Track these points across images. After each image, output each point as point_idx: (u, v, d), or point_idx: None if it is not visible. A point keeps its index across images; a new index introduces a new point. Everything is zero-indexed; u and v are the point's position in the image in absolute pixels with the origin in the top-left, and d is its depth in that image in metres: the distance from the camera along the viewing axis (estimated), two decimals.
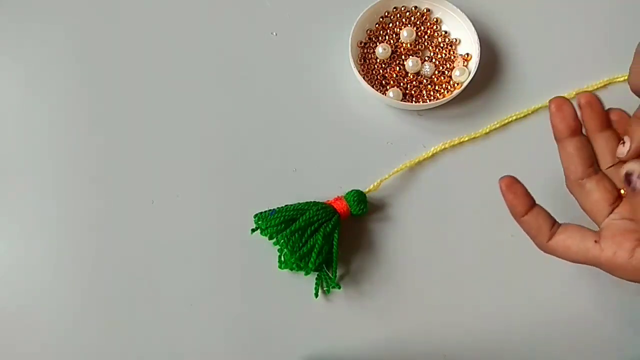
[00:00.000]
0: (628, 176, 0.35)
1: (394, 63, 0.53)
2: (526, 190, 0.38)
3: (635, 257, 0.35)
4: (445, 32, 0.54)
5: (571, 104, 0.38)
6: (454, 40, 0.54)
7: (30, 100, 0.53)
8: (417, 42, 0.54)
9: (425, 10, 0.55)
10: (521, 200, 0.38)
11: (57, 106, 0.53)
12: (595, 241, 0.36)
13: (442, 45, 0.54)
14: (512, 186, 0.38)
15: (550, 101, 0.38)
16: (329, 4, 0.56)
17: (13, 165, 0.51)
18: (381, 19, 0.54)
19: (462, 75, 0.51)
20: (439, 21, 0.54)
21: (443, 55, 0.53)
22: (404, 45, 0.54)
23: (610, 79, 0.53)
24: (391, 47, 0.53)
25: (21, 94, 0.54)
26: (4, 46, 0.55)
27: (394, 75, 0.53)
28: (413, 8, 0.54)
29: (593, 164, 0.38)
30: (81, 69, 0.54)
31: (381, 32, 0.54)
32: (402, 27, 0.54)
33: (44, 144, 0.52)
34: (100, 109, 0.53)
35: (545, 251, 0.38)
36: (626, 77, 0.53)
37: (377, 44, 0.53)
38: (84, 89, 0.53)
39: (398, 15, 0.54)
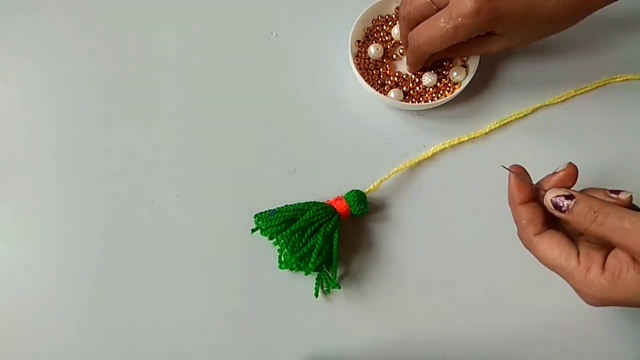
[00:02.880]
0: (555, 202, 0.37)
1: (389, 62, 0.53)
2: (532, 184, 0.39)
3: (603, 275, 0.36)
4: None
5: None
6: None
7: (30, 101, 0.53)
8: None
9: None
10: (525, 189, 0.39)
11: (57, 106, 0.53)
12: (578, 252, 0.37)
13: None
14: (522, 174, 0.39)
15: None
16: (329, 4, 0.56)
17: (13, 165, 0.51)
18: (379, 18, 0.54)
19: (460, 75, 0.51)
20: None
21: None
22: (393, 42, 0.54)
23: (609, 79, 0.53)
24: (383, 45, 0.53)
25: (22, 94, 0.54)
26: (5, 46, 0.55)
27: (394, 78, 0.53)
28: None
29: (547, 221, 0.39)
30: (81, 70, 0.54)
31: (376, 31, 0.54)
32: (394, 25, 0.54)
33: (44, 144, 0.52)
34: (101, 109, 0.53)
35: (527, 244, 0.39)
36: (626, 78, 0.53)
37: (371, 43, 0.53)
38: (84, 89, 0.53)
39: (394, 16, 0.54)
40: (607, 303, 0.36)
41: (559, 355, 0.47)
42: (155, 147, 0.51)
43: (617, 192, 0.37)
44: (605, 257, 0.36)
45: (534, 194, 0.39)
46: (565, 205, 0.36)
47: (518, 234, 0.40)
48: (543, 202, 0.38)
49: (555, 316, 0.47)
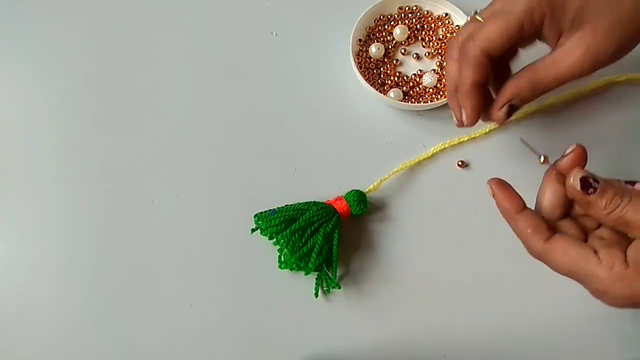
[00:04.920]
0: (585, 179, 0.34)
1: (389, 61, 0.53)
2: (515, 191, 0.37)
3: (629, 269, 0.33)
4: (458, 27, 0.54)
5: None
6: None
7: (31, 101, 0.53)
8: (409, 40, 0.54)
9: (426, 12, 0.55)
10: (515, 196, 0.37)
11: (57, 106, 0.53)
12: (595, 252, 0.34)
13: (446, 40, 0.54)
14: (503, 184, 0.37)
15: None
16: (329, 4, 0.56)
17: (13, 165, 0.51)
18: (382, 17, 0.54)
19: None
20: (448, 16, 0.54)
21: (443, 51, 0.54)
22: (395, 42, 0.54)
23: (610, 79, 0.53)
24: (385, 45, 0.53)
25: (22, 95, 0.54)
26: (6, 46, 0.55)
27: (394, 78, 0.53)
28: (414, 7, 0.55)
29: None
30: (82, 70, 0.54)
31: (378, 31, 0.54)
32: (396, 25, 0.54)
33: (44, 144, 0.52)
34: (101, 109, 0.53)
35: (538, 253, 0.36)
36: (627, 77, 0.53)
37: (373, 42, 0.53)
38: (84, 89, 0.53)
39: (396, 15, 0.55)
40: (632, 301, 0.34)
41: (558, 355, 0.47)
42: (155, 147, 0.51)
43: (632, 182, 0.35)
44: (624, 252, 0.34)
45: (522, 201, 0.37)
46: (594, 188, 0.34)
47: (525, 246, 0.37)
48: (539, 206, 0.36)
49: (555, 316, 0.47)
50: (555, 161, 0.37)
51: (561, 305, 0.47)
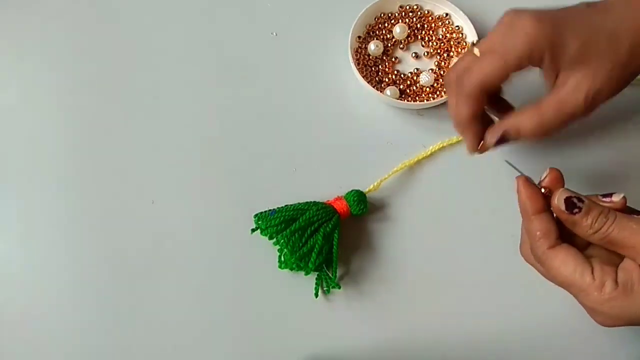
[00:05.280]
0: (570, 200, 0.35)
1: (388, 59, 0.53)
2: (540, 192, 0.37)
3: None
4: (458, 27, 0.54)
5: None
6: (461, 34, 0.54)
7: (31, 101, 0.53)
8: (408, 39, 0.54)
9: (426, 12, 0.55)
10: (538, 197, 0.37)
11: (57, 107, 0.53)
12: (592, 269, 0.35)
13: (446, 40, 0.54)
14: (529, 183, 0.37)
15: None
16: (329, 4, 0.56)
17: (13, 165, 0.51)
18: (382, 15, 0.54)
19: None
20: (449, 16, 0.54)
21: (442, 51, 0.54)
22: (394, 41, 0.54)
23: None
24: (384, 43, 0.53)
25: (22, 94, 0.54)
26: (6, 46, 0.55)
27: (391, 76, 0.53)
28: (415, 6, 0.55)
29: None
30: (82, 69, 0.54)
31: (378, 29, 0.54)
32: (396, 23, 0.54)
33: (44, 145, 0.52)
34: (101, 109, 0.53)
35: (539, 257, 0.36)
36: None
37: (372, 40, 0.53)
38: (84, 89, 0.53)
39: (396, 14, 0.55)
40: (622, 322, 0.34)
41: (558, 355, 0.47)
42: (155, 147, 0.51)
43: (609, 195, 0.36)
44: (616, 272, 0.34)
45: (546, 203, 0.37)
46: (579, 208, 0.34)
47: (527, 247, 0.37)
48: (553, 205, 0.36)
49: (554, 315, 0.47)
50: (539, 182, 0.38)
51: (561, 305, 0.47)
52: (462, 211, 0.50)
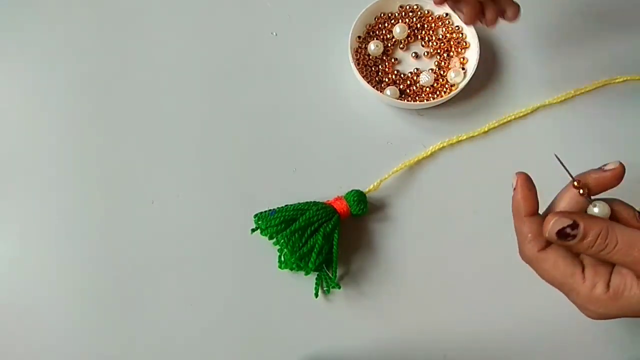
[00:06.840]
0: (562, 232, 0.33)
1: (388, 59, 0.53)
2: (535, 195, 0.36)
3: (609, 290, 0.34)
4: (458, 27, 0.54)
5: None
6: (461, 34, 0.54)
7: (31, 101, 0.53)
8: (408, 39, 0.54)
9: (426, 12, 0.55)
10: (532, 199, 0.36)
11: (58, 107, 0.53)
12: (583, 269, 0.35)
13: (446, 40, 0.54)
14: (528, 183, 0.36)
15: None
16: (329, 4, 0.56)
17: (13, 165, 0.51)
18: (382, 15, 0.54)
19: (457, 77, 0.52)
20: (449, 16, 0.54)
21: (442, 51, 0.54)
22: (394, 41, 0.54)
23: (608, 80, 0.53)
24: (384, 43, 0.53)
25: (22, 95, 0.53)
26: (6, 47, 0.55)
27: (391, 76, 0.53)
28: (415, 6, 0.55)
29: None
30: (81, 69, 0.54)
31: (378, 29, 0.54)
32: (396, 23, 0.54)
33: (44, 145, 0.52)
34: (101, 110, 0.53)
35: (529, 259, 0.36)
36: (625, 78, 0.53)
37: (372, 40, 0.53)
38: (84, 88, 0.53)
39: (396, 14, 0.55)
40: (609, 318, 0.35)
41: (558, 354, 0.47)
42: (155, 147, 0.51)
43: (604, 166, 0.35)
44: (611, 273, 0.34)
45: (537, 205, 0.36)
46: (572, 236, 0.33)
47: (519, 247, 0.37)
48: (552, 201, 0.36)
49: (554, 315, 0.47)
50: (586, 172, 0.35)
51: (560, 305, 0.47)
52: (462, 211, 0.50)
